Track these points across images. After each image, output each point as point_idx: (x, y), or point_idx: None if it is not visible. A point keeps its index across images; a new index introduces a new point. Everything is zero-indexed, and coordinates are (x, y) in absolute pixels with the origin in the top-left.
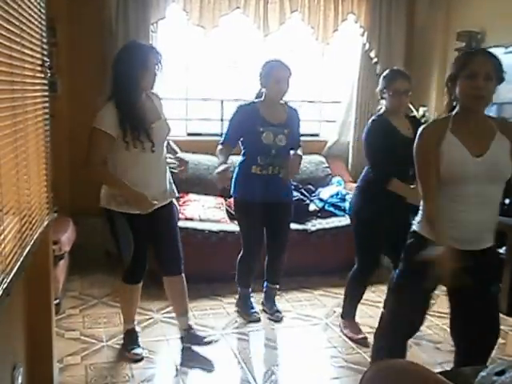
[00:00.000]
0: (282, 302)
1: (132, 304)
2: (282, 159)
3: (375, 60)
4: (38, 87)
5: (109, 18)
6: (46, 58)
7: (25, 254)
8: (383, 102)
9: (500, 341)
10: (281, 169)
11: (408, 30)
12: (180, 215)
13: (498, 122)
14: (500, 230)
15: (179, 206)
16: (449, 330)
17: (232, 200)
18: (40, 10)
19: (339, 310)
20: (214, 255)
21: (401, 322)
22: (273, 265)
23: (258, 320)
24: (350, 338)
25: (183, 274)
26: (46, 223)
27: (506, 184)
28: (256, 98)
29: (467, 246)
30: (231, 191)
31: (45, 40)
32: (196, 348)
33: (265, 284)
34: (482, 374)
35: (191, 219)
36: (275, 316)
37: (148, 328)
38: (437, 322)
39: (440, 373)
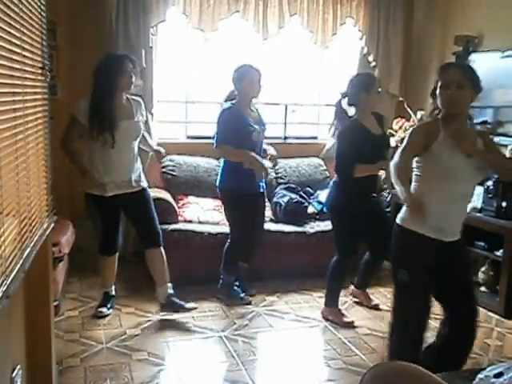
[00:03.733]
0: (281, 303)
1: (106, 272)
2: (262, 153)
3: (373, 64)
4: (38, 90)
5: (109, 22)
6: (46, 61)
7: (24, 256)
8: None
9: (498, 343)
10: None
11: (406, 34)
12: (179, 217)
13: (476, 130)
14: (497, 232)
15: (178, 208)
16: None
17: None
18: (40, 13)
19: None
20: (213, 257)
21: (407, 317)
22: (252, 248)
23: (250, 303)
24: (337, 324)
25: (162, 248)
26: (45, 225)
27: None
28: (227, 99)
29: (447, 237)
30: (217, 183)
31: (45, 43)
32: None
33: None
34: (480, 376)
35: (190, 221)
36: (247, 282)
37: (147, 330)
38: (436, 325)
39: (438, 374)
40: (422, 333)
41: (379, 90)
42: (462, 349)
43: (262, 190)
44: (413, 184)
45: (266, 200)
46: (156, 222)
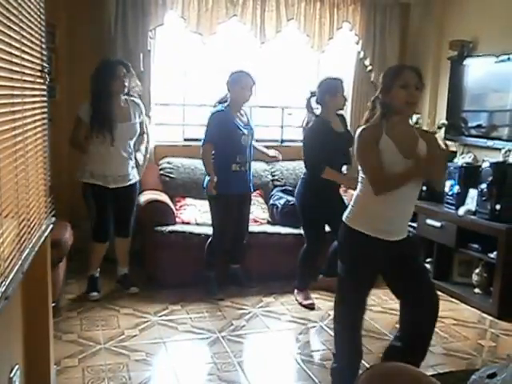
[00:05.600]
0: (277, 304)
1: (96, 257)
2: (250, 155)
3: (369, 68)
4: (37, 92)
5: (108, 25)
6: (45, 64)
7: (23, 257)
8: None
9: (491, 344)
10: (248, 164)
11: (402, 39)
12: (177, 219)
13: (417, 129)
14: (491, 234)
15: (176, 210)
16: (399, 323)
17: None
18: (40, 16)
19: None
20: None
21: (348, 303)
22: (238, 247)
23: (222, 299)
24: (300, 303)
25: (129, 238)
26: (44, 227)
27: None
28: (220, 101)
29: (393, 237)
30: (204, 184)
31: (44, 45)
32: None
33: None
34: (474, 376)
35: (188, 223)
36: (246, 278)
37: (145, 330)
38: None
39: (433, 375)
40: (356, 329)
41: (344, 93)
42: (423, 344)
43: (250, 190)
44: (358, 188)
45: (263, 202)
46: (130, 216)
